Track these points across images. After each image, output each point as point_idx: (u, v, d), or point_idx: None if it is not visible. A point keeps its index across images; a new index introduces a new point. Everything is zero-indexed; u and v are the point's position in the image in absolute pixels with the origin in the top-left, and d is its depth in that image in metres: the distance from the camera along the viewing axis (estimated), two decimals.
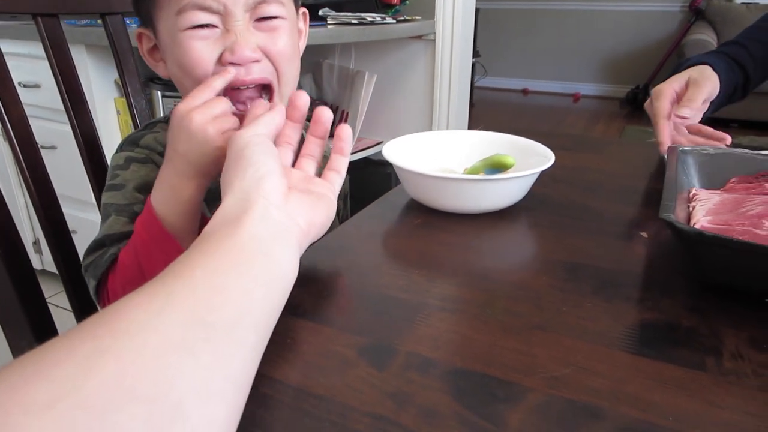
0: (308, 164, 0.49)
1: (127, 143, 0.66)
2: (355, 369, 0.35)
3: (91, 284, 0.59)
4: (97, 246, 0.60)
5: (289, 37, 0.59)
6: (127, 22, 0.84)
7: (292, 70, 0.60)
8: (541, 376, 0.35)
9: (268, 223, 0.35)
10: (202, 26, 0.55)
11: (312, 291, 0.45)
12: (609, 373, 0.35)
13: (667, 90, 0.75)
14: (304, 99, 0.49)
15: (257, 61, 0.56)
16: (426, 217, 0.59)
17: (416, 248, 0.53)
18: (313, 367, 0.36)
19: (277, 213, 0.37)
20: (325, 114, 0.49)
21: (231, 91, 0.57)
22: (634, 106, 4.45)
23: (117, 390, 0.21)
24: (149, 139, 0.65)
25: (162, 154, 0.61)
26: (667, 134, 0.71)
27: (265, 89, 0.59)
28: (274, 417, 0.31)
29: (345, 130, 0.49)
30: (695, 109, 0.72)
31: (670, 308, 0.43)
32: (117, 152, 0.66)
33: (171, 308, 0.26)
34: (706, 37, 3.64)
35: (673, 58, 4.33)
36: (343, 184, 0.77)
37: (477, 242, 0.54)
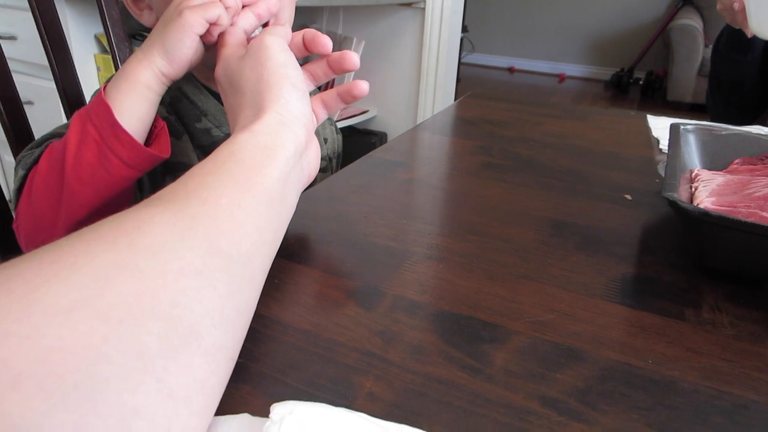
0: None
1: None
2: (342, 308, 0.35)
3: (18, 175, 0.51)
4: (41, 140, 0.53)
5: None
6: None
7: (291, 9, 0.55)
8: (525, 320, 0.35)
9: (295, 168, 0.36)
10: None
11: (301, 236, 0.45)
12: (592, 319, 0.36)
13: None
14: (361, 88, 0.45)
15: None
16: (414, 173, 0.59)
17: (404, 201, 0.53)
18: (301, 306, 0.36)
19: (302, 156, 0.37)
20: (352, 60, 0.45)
21: None
22: (618, 88, 4.47)
23: (136, 305, 0.21)
24: None
25: None
26: None
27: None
28: (262, 350, 0.31)
29: (361, 85, 0.45)
30: None
31: (652, 264, 0.43)
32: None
33: (194, 233, 0.26)
34: (692, 23, 3.66)
35: (658, 43, 4.35)
36: (336, 144, 0.76)
37: (464, 198, 0.55)
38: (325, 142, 0.73)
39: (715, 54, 1.16)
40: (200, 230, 0.26)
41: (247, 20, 0.47)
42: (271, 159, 0.33)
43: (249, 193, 0.30)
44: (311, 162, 0.40)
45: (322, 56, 0.46)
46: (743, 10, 0.83)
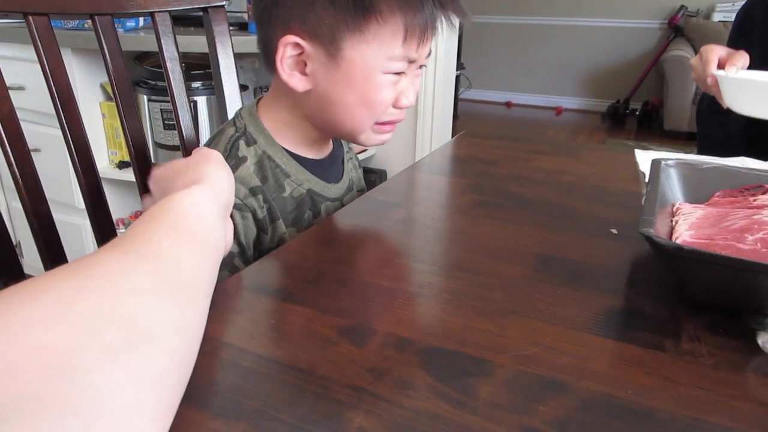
0: None
1: None
2: (335, 347, 0.37)
3: None
4: None
5: None
6: (116, 23, 0.85)
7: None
8: (511, 354, 0.37)
9: (222, 229, 0.42)
10: (397, 73, 0.60)
11: (297, 276, 0.47)
12: (575, 352, 0.37)
13: (717, 48, 0.91)
14: None
15: None
16: (408, 213, 0.61)
17: (397, 240, 0.55)
18: (296, 345, 0.37)
19: (224, 224, 0.43)
20: None
21: (379, 124, 0.64)
22: (615, 119, 4.53)
23: (98, 317, 0.26)
24: (243, 174, 0.62)
25: (255, 191, 0.61)
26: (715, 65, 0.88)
27: None
28: (258, 388, 0.33)
29: None
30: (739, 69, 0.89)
31: (635, 296, 0.45)
32: None
33: (142, 264, 0.31)
34: (684, 54, 3.73)
35: (652, 74, 4.43)
36: (359, 179, 0.80)
37: (455, 236, 0.57)
38: (355, 178, 0.79)
39: (699, 116, 1.19)
40: (148, 263, 0.31)
41: None
42: (206, 223, 0.39)
43: (191, 241, 0.36)
44: (228, 231, 0.45)
45: None
46: (716, 84, 0.86)
